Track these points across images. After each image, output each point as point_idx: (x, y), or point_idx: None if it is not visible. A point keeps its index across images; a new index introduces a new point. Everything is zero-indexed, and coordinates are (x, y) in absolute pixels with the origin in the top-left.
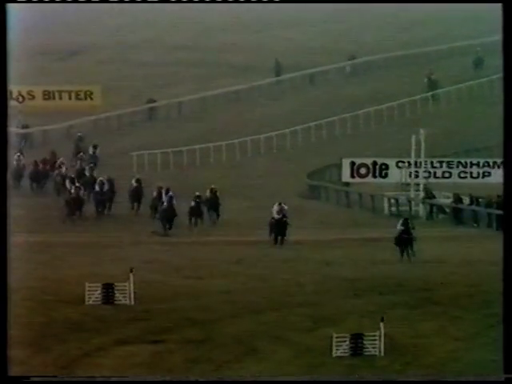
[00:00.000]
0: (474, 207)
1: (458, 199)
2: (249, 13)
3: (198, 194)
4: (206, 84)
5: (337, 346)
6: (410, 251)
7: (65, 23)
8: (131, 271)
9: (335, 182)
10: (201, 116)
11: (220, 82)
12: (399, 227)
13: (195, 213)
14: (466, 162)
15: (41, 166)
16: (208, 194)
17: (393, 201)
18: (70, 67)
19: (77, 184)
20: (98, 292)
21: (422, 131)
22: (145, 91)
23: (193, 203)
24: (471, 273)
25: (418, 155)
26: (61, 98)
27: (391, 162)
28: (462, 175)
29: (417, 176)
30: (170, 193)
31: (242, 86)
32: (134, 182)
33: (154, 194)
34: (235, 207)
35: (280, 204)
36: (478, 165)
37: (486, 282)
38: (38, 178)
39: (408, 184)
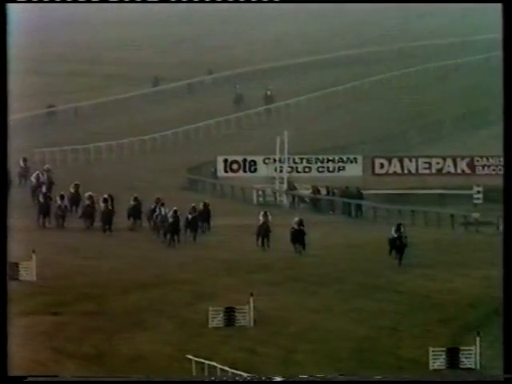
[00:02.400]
0: (330, 197)
1: (316, 190)
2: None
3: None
4: (97, 92)
5: (212, 318)
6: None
7: None
8: (33, 252)
9: (211, 177)
10: (94, 120)
11: (109, 90)
12: (393, 233)
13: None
14: (323, 158)
15: None
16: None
17: (260, 192)
18: None
19: None
20: None
21: (285, 133)
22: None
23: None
24: (329, 254)
25: (282, 153)
26: None
27: (259, 159)
28: (320, 170)
29: (281, 171)
30: (175, 208)
31: (128, 94)
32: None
33: (152, 206)
34: (125, 199)
35: (301, 218)
36: (333, 161)
37: (341, 262)
38: None
39: (274, 178)
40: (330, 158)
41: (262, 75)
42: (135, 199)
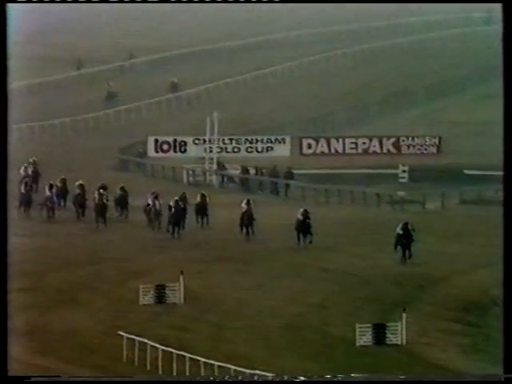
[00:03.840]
0: (258, 177)
1: (245, 170)
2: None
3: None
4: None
5: (143, 295)
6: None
7: None
8: None
9: (141, 157)
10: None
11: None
12: (398, 231)
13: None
14: (252, 139)
15: None
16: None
17: (190, 172)
18: None
19: None
20: None
21: (215, 114)
22: None
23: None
24: (257, 232)
25: (212, 134)
26: None
27: (189, 140)
28: (249, 150)
29: (211, 151)
30: (176, 197)
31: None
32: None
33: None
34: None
35: (305, 209)
36: (262, 141)
37: (268, 240)
38: None
39: (203, 158)
40: (259, 138)
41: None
42: (62, 180)
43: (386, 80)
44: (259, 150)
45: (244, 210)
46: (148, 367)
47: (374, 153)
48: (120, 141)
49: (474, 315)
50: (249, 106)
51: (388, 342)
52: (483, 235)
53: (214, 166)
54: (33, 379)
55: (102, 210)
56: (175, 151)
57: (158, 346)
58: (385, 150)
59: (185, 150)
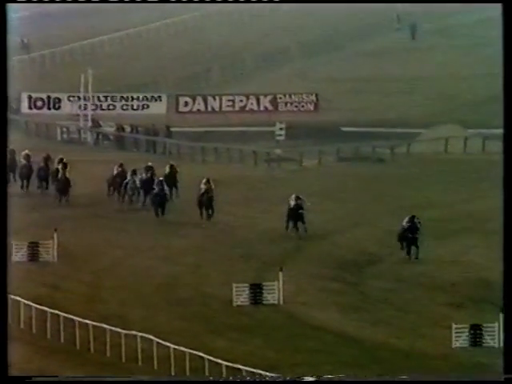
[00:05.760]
0: (134, 135)
1: (120, 128)
2: None
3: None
4: None
5: (16, 252)
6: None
7: None
8: None
9: (14, 113)
10: None
11: None
12: (405, 224)
13: None
14: (127, 97)
15: None
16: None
17: (64, 129)
18: None
19: None
20: None
21: (89, 71)
22: None
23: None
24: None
25: (86, 91)
26: None
27: (63, 96)
28: (125, 108)
29: (85, 108)
30: (161, 178)
31: None
32: None
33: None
34: None
35: (298, 196)
36: (138, 99)
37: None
38: None
39: (78, 115)
40: (135, 96)
41: None
42: None
43: (264, 38)
44: (135, 107)
45: (203, 191)
46: (22, 325)
47: (251, 110)
48: None
49: (350, 273)
50: (124, 64)
51: (265, 302)
52: (360, 192)
53: (89, 124)
54: (33, 379)
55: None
56: (49, 108)
57: (32, 304)
58: (262, 108)
59: (59, 107)
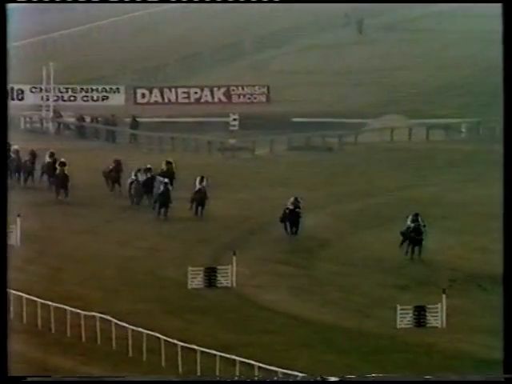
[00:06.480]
0: (93, 124)
1: (81, 118)
2: None
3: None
4: None
5: None
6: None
7: None
8: None
9: None
10: None
11: None
12: (409, 223)
13: None
14: (87, 88)
15: None
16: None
17: (28, 119)
18: None
19: None
20: None
21: (51, 63)
22: None
23: None
24: (92, 177)
25: (48, 82)
26: None
27: (26, 88)
28: (85, 99)
29: (48, 99)
30: (166, 179)
31: None
32: None
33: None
34: None
35: (296, 198)
36: (97, 90)
37: (99, 186)
38: None
39: (40, 106)
40: (94, 87)
41: None
42: None
43: (217, 33)
44: (95, 98)
45: (197, 188)
46: None
47: (206, 102)
48: None
49: (300, 258)
50: (84, 56)
51: (218, 285)
52: (309, 179)
53: (51, 114)
54: (32, 379)
55: None
56: (13, 99)
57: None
58: (216, 100)
59: (22, 98)
